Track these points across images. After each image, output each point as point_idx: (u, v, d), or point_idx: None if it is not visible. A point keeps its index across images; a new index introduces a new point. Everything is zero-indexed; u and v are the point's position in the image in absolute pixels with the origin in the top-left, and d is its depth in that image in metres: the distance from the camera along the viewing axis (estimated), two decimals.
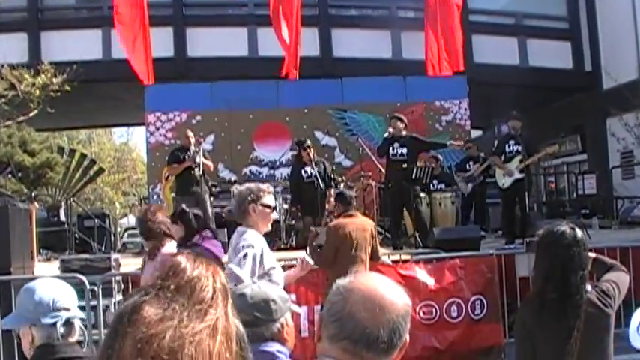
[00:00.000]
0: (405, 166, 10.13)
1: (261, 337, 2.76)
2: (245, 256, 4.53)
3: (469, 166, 12.69)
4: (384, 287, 1.72)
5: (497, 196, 11.48)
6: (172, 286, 1.15)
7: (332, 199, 9.48)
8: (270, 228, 4.94)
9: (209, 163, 10.85)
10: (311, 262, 5.18)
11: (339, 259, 6.52)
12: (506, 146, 10.54)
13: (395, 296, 1.70)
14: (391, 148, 10.27)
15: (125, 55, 14.28)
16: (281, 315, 2.85)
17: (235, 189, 5.76)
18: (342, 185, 11.29)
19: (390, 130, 10.37)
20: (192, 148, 10.67)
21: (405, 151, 10.21)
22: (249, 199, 4.71)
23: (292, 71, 14.20)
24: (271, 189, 5.07)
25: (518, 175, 10.29)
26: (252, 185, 4.92)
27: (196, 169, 10.44)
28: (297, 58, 14.34)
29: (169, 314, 1.12)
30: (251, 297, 2.79)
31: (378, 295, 1.68)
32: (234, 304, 2.82)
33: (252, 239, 4.63)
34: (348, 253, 6.51)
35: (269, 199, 4.80)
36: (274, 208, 4.97)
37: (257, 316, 2.76)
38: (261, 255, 4.60)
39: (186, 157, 10.62)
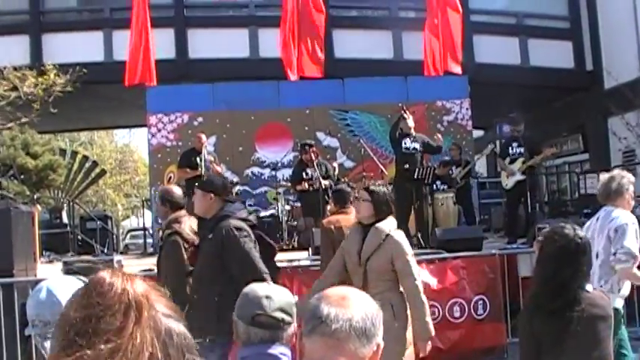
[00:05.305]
0: (407, 166, 10.13)
1: (276, 340, 2.74)
2: (627, 231, 5.09)
3: (452, 170, 12.64)
4: (355, 291, 1.82)
5: (498, 196, 11.48)
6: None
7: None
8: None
9: (218, 169, 11.17)
10: None
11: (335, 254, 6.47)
12: (510, 148, 10.75)
13: (365, 297, 1.79)
14: (403, 142, 10.28)
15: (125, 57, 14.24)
16: (295, 318, 2.83)
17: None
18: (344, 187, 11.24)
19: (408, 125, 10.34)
20: (205, 152, 10.87)
21: (417, 145, 10.29)
22: (626, 187, 5.38)
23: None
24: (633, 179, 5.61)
25: (519, 177, 10.34)
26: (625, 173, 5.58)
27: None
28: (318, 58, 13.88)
29: None
30: (279, 300, 2.77)
31: (347, 292, 1.79)
32: (260, 307, 2.81)
33: (630, 217, 5.24)
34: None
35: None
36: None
37: (283, 319, 2.75)
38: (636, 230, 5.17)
39: (199, 160, 10.78)
